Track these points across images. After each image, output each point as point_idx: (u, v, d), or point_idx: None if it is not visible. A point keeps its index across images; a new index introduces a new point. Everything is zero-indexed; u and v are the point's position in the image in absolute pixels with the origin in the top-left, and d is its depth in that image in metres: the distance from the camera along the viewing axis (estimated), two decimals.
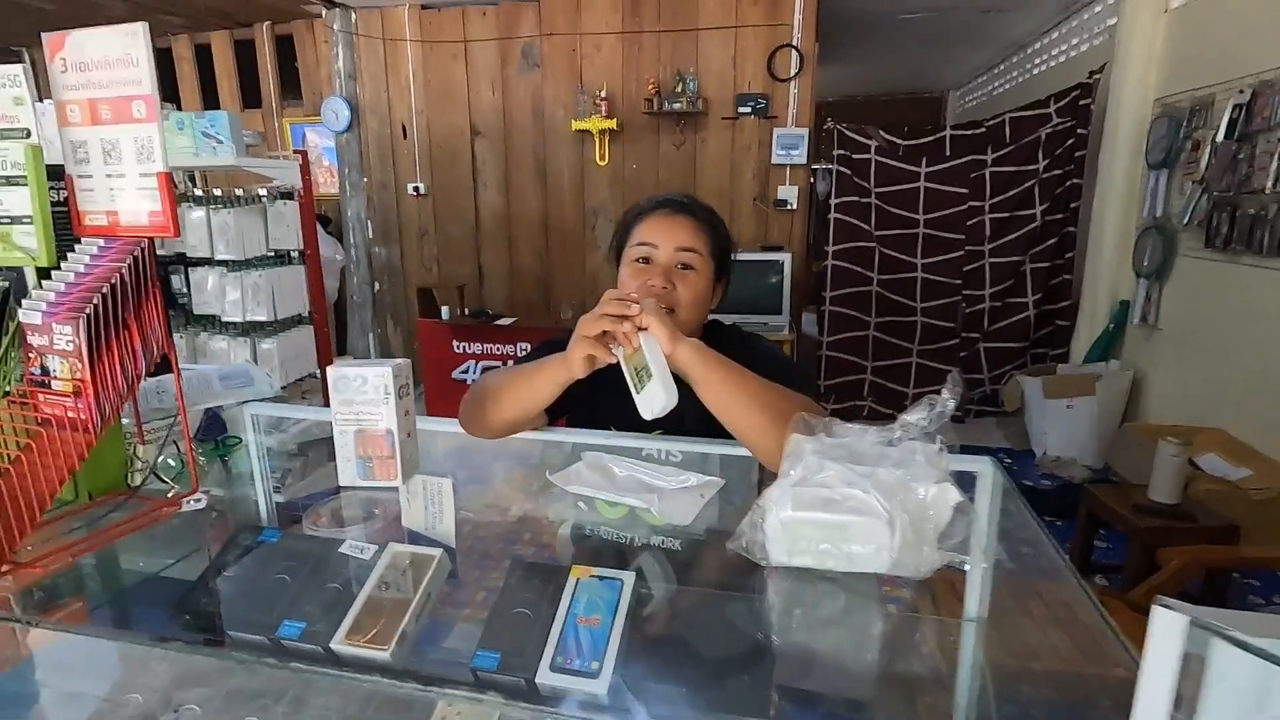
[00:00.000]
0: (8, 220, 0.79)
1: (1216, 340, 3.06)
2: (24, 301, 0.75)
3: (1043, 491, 3.26)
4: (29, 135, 0.77)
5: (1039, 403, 3.65)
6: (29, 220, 0.78)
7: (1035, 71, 5.33)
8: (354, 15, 4.57)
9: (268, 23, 4.87)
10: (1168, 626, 0.34)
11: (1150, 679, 0.35)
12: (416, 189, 4.73)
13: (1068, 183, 3.97)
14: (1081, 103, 3.84)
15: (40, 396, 0.74)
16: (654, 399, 0.82)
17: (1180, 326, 3.33)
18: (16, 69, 0.75)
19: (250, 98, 5.11)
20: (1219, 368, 3.04)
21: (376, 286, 5.02)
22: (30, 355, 0.75)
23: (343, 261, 4.88)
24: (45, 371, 0.74)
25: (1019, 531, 0.88)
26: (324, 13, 4.55)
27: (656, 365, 0.83)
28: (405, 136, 4.70)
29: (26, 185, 0.77)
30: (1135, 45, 3.49)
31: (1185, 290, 3.29)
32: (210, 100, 5.14)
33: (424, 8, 4.47)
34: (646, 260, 1.11)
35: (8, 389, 0.78)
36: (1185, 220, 3.12)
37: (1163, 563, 2.04)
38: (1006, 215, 4.07)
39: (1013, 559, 0.86)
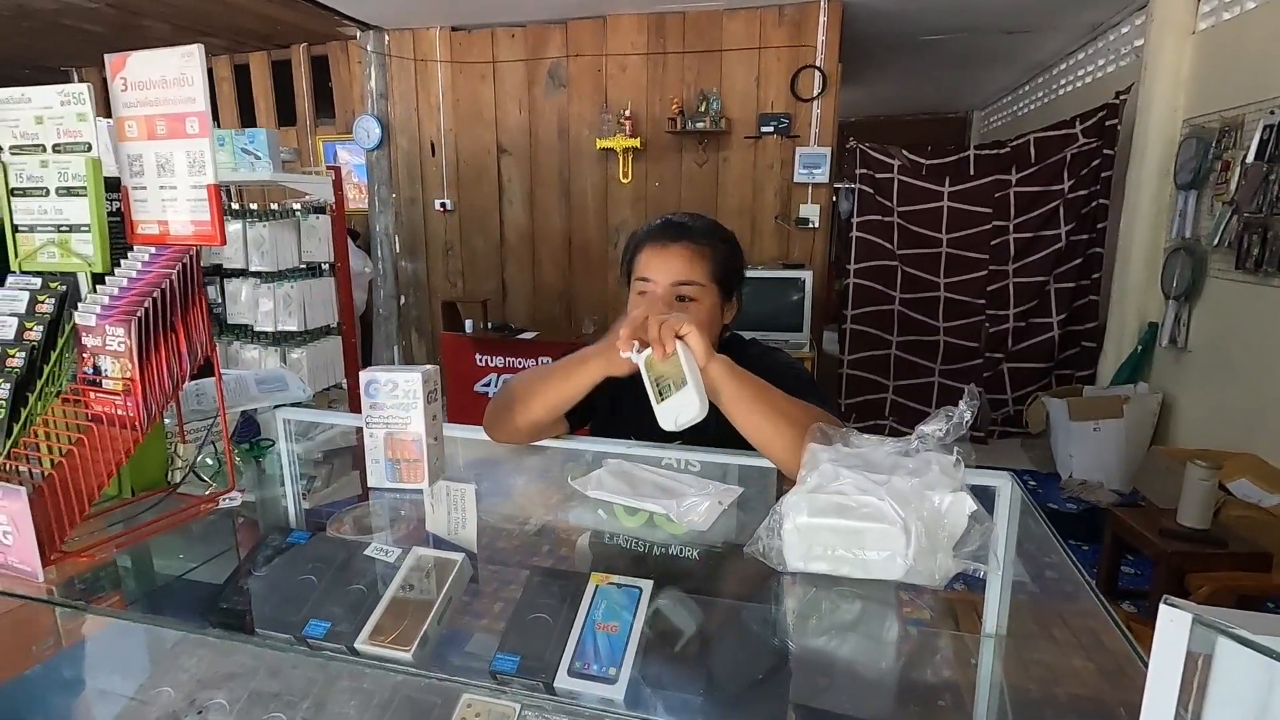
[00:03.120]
0: (67, 228, 0.83)
1: (1249, 363, 3.00)
2: (80, 304, 0.80)
3: (1068, 515, 3.20)
4: (90, 149, 0.81)
5: (1064, 424, 3.60)
6: (87, 229, 0.82)
7: (1061, 92, 5.31)
8: (387, 37, 4.71)
9: (304, 44, 5.04)
10: (1172, 624, 0.35)
11: (1157, 676, 0.36)
12: (443, 205, 4.83)
13: (1094, 203, 3.94)
14: (1108, 123, 3.82)
15: (91, 394, 0.78)
16: (682, 408, 0.82)
17: (1211, 349, 3.27)
18: (82, 88, 0.80)
19: (285, 115, 5.28)
20: (1251, 391, 2.98)
21: (402, 300, 5.12)
22: (84, 355, 0.79)
23: (371, 274, 4.98)
24: (97, 371, 0.78)
25: (1041, 551, 0.88)
26: (358, 34, 4.70)
27: (692, 376, 0.82)
28: (434, 154, 4.81)
29: (86, 196, 0.82)
30: (1163, 66, 3.48)
31: (1216, 312, 3.24)
32: (248, 118, 5.31)
33: (454, 29, 4.60)
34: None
35: (61, 388, 0.82)
36: (1215, 241, 3.08)
37: (1192, 589, 2.00)
38: (1031, 235, 4.05)
39: (1034, 579, 0.85)
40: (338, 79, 5.07)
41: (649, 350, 0.86)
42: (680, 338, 0.85)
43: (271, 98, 5.26)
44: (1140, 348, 3.71)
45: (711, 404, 0.90)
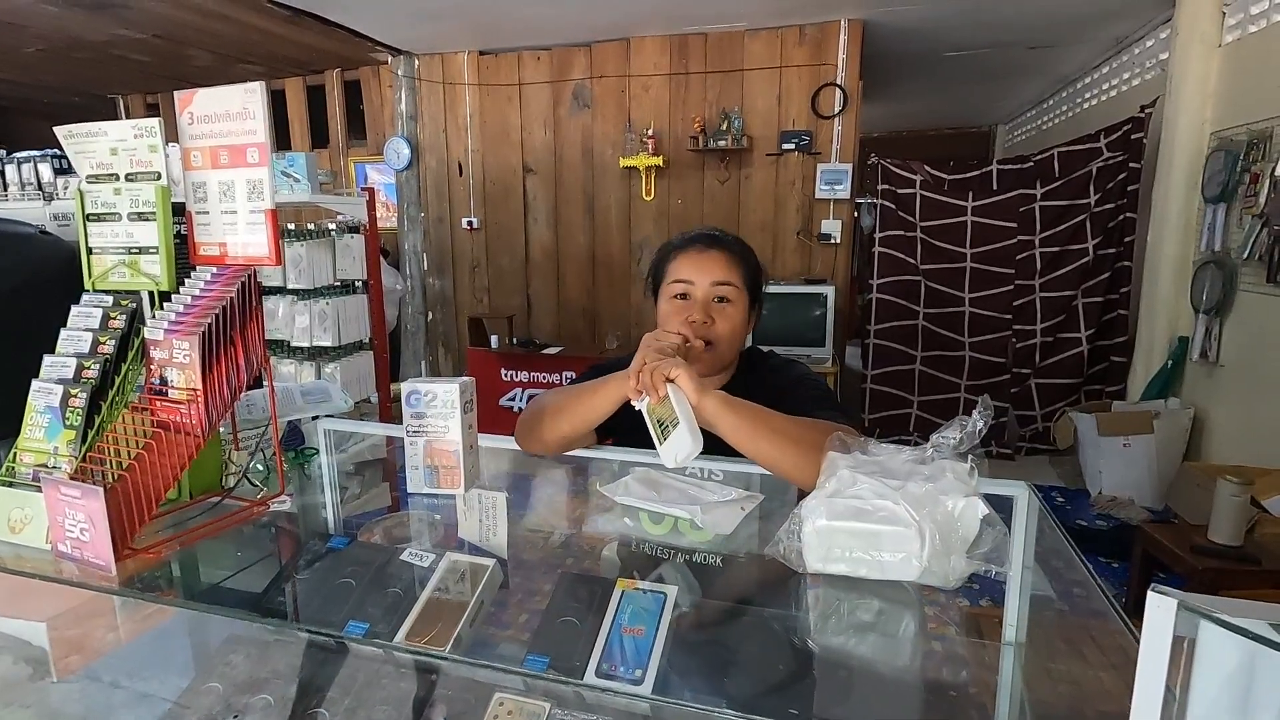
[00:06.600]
0: (137, 250, 0.90)
1: None
2: (148, 320, 0.86)
3: (1098, 531, 3.15)
4: (160, 178, 0.88)
5: (1093, 440, 3.55)
6: (155, 250, 0.89)
7: (1085, 106, 5.29)
8: (417, 61, 4.86)
9: (338, 69, 5.22)
10: (1159, 609, 0.38)
11: (1147, 657, 0.39)
12: (470, 223, 4.95)
13: (1120, 217, 3.91)
14: (1133, 136, 3.80)
15: (158, 403, 0.85)
16: (679, 447, 0.86)
17: (1243, 363, 3.21)
18: (153, 123, 0.87)
19: (319, 138, 5.46)
20: None
21: (430, 315, 5.23)
22: (151, 367, 0.85)
23: (403, 291, 5.10)
24: (164, 382, 0.84)
25: (1068, 569, 0.89)
26: (389, 59, 4.86)
27: (684, 415, 0.86)
28: (461, 174, 4.93)
29: (155, 220, 0.89)
30: (1189, 79, 3.46)
31: (1247, 326, 3.19)
32: (283, 141, 5.50)
33: (482, 53, 4.73)
34: (685, 296, 1.15)
35: (130, 397, 0.88)
36: (1245, 254, 3.05)
37: None
38: (1057, 249, 4.03)
39: (1061, 596, 0.86)
40: (369, 102, 5.24)
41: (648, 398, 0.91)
42: (671, 380, 0.89)
43: (306, 121, 5.44)
44: (1171, 362, 3.65)
45: None
